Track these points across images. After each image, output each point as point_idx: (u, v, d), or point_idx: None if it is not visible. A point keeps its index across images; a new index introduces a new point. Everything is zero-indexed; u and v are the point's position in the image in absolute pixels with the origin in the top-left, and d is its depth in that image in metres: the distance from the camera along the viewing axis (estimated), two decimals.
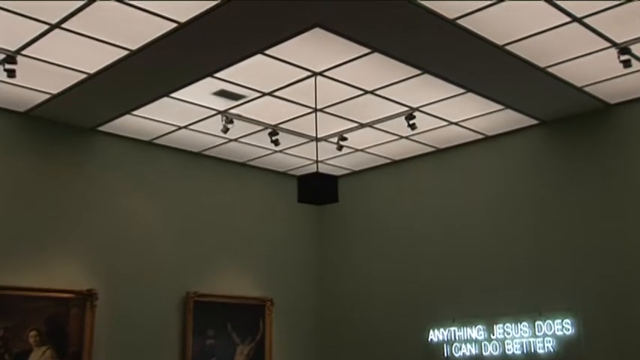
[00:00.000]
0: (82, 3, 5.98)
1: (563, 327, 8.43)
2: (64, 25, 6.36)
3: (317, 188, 7.29)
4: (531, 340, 8.66)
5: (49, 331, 8.14)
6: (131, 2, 5.99)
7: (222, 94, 8.03)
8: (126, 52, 6.89)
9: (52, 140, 8.60)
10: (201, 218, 9.95)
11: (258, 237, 10.55)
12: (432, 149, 10.13)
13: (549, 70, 7.51)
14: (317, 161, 8.89)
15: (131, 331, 8.84)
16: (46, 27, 6.39)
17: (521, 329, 8.76)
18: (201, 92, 7.96)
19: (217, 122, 8.69)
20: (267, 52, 7.01)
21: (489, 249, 9.31)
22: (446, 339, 9.44)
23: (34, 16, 6.19)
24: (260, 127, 9.05)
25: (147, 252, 9.24)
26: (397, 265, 10.32)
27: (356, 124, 9.07)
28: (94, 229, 8.78)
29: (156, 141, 9.54)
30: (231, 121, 8.61)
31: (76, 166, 8.79)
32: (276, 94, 8.07)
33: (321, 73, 7.56)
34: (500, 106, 8.54)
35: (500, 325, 8.94)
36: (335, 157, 10.25)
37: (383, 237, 10.62)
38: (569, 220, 8.62)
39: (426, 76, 7.64)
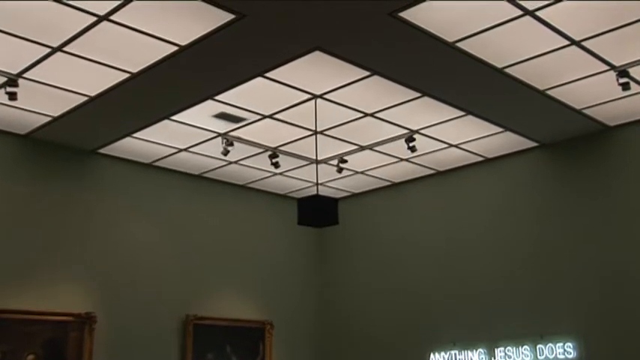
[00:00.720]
0: (84, 26, 6.02)
1: (565, 350, 8.36)
2: (65, 49, 6.39)
3: (317, 211, 7.28)
4: None
5: (47, 354, 8.07)
6: (132, 25, 6.03)
7: (222, 116, 8.06)
8: (127, 75, 6.92)
9: (52, 163, 8.61)
10: (201, 241, 9.92)
11: (258, 259, 10.52)
12: (432, 171, 10.13)
13: (548, 92, 7.54)
14: (317, 184, 8.90)
15: (130, 354, 8.77)
16: (48, 50, 6.42)
17: (522, 353, 8.69)
18: (202, 115, 7.98)
19: (217, 145, 8.70)
20: (267, 74, 7.04)
21: (490, 271, 9.27)
22: None
23: (36, 39, 6.22)
24: (260, 150, 9.07)
25: (146, 275, 9.20)
26: (398, 288, 10.28)
27: (356, 147, 9.08)
28: (92, 251, 8.75)
29: (156, 163, 9.55)
30: (232, 144, 8.62)
31: (76, 188, 8.78)
32: (276, 116, 8.09)
33: (321, 96, 7.58)
34: (499, 129, 8.56)
35: (502, 349, 8.87)
36: (335, 179, 10.25)
37: (383, 260, 10.58)
38: (569, 242, 8.60)
39: (426, 99, 7.67)
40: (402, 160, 9.60)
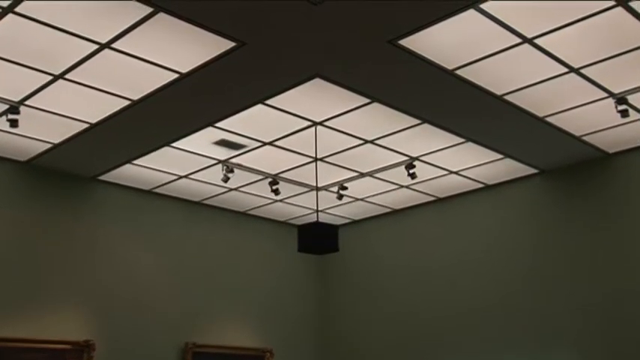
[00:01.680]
0: (86, 54, 6.06)
1: None
2: (67, 76, 6.43)
3: (317, 238, 7.25)
4: None
5: None
6: (134, 53, 6.07)
7: (222, 143, 8.08)
8: (127, 102, 6.95)
9: (52, 189, 8.61)
10: (201, 268, 9.89)
11: (258, 287, 10.48)
12: (433, 198, 10.13)
13: (548, 119, 7.57)
14: (317, 210, 8.88)
15: None
16: (50, 78, 6.46)
17: None
18: (202, 142, 8.00)
19: (218, 171, 8.71)
20: (267, 101, 7.07)
21: (490, 298, 9.23)
22: None
23: (38, 67, 6.26)
24: (260, 177, 9.08)
25: (145, 302, 9.15)
26: (398, 314, 10.22)
27: (356, 174, 9.09)
28: (91, 278, 8.72)
29: (156, 190, 9.55)
30: (232, 171, 8.64)
31: (75, 215, 8.77)
32: (276, 143, 8.11)
33: (321, 123, 7.61)
34: (499, 156, 8.58)
35: None
36: (335, 206, 10.25)
37: (384, 286, 10.54)
38: (570, 269, 8.56)
39: (426, 126, 7.70)
40: (402, 186, 9.60)
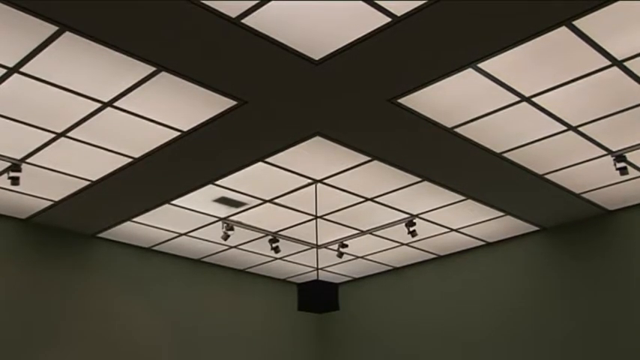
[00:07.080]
0: (88, 112, 6.12)
1: None
2: (69, 134, 6.48)
3: (317, 296, 7.18)
4: None
5: None
6: (135, 112, 6.13)
7: (223, 201, 8.08)
8: (129, 160, 6.99)
9: (51, 247, 8.58)
10: (200, 326, 9.77)
11: (257, 345, 10.33)
12: (433, 256, 10.08)
13: (547, 177, 7.59)
14: (317, 268, 8.85)
15: None
16: (52, 135, 6.50)
17: None
18: (203, 199, 8.01)
19: (218, 229, 8.69)
20: (268, 159, 7.11)
21: (492, 356, 9.09)
22: None
23: (40, 125, 6.31)
24: (260, 235, 9.05)
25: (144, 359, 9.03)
26: None
27: (356, 231, 9.07)
28: (90, 337, 8.60)
29: (156, 247, 9.51)
30: (232, 228, 8.62)
31: (75, 272, 8.71)
32: (276, 201, 8.12)
33: (321, 181, 7.63)
34: (500, 213, 8.57)
35: None
36: (335, 264, 10.19)
37: (384, 344, 10.39)
38: (571, 327, 8.47)
39: (426, 184, 7.72)
40: (402, 244, 9.57)
